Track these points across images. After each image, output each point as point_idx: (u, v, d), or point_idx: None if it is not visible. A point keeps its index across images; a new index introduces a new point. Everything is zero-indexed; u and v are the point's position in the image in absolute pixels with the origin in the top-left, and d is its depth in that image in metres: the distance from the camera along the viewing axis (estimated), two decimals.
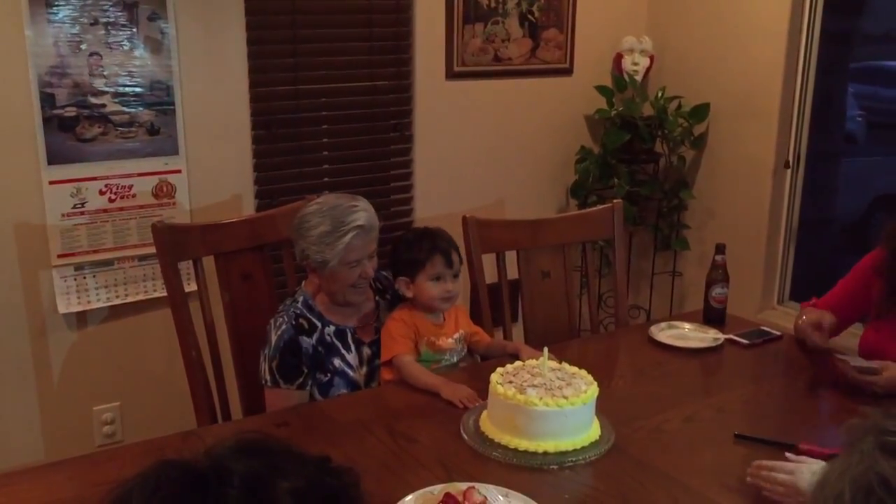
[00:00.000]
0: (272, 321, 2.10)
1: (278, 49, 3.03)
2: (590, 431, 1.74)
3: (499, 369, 1.83)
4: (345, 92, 3.19)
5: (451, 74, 3.40)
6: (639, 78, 3.66)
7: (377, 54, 3.24)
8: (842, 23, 6.12)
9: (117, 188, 2.79)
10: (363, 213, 2.06)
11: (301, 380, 2.06)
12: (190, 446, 1.79)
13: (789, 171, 3.44)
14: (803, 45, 3.35)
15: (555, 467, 1.66)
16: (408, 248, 2.15)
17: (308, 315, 2.10)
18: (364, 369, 2.15)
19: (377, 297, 2.24)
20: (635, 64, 3.65)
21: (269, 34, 2.99)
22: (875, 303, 2.16)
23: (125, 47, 2.71)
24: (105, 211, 2.79)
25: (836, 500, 0.80)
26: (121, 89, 2.72)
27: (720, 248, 2.46)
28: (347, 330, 2.14)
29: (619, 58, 3.70)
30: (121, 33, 2.69)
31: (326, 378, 2.09)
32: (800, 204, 3.52)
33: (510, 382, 1.76)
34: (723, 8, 3.51)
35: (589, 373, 1.84)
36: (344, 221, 2.02)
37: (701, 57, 3.61)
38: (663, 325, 2.41)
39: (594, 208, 2.66)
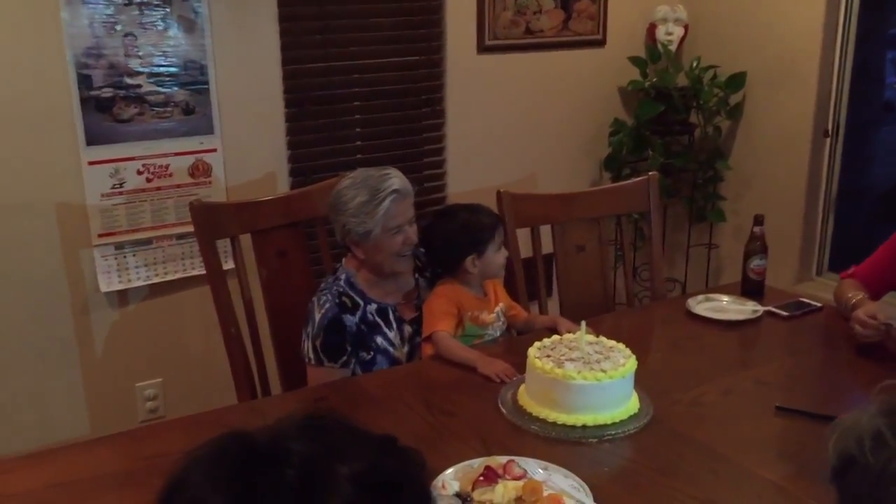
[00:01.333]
0: (315, 299, 2.11)
1: (309, 26, 3.03)
2: (629, 405, 1.74)
3: (536, 343, 1.84)
4: (376, 68, 3.18)
5: (483, 48, 3.37)
6: (673, 48, 3.60)
7: (408, 29, 3.22)
8: None
9: (154, 168, 2.82)
10: (396, 178, 2.07)
11: (345, 358, 2.08)
12: (234, 422, 1.83)
13: (828, 140, 3.38)
14: (842, 10, 3.28)
15: (594, 441, 1.66)
16: (470, 229, 2.15)
17: (351, 293, 2.11)
18: (406, 347, 2.16)
19: (416, 275, 2.24)
20: (669, 34, 3.59)
21: (299, 10, 2.99)
22: None
23: (159, 27, 2.73)
24: (143, 191, 2.82)
25: (833, 447, 0.87)
26: (155, 69, 2.75)
27: (759, 220, 2.43)
28: (389, 308, 2.15)
29: (652, 28, 3.64)
30: (154, 13, 2.71)
31: (369, 356, 2.11)
32: (839, 173, 3.46)
33: (548, 356, 1.76)
34: None
35: (627, 346, 1.84)
36: (379, 188, 2.04)
37: (736, 25, 3.55)
38: (700, 297, 2.39)
39: (629, 181, 2.64)
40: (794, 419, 1.73)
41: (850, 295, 2.15)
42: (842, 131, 3.42)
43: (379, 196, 2.03)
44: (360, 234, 2.06)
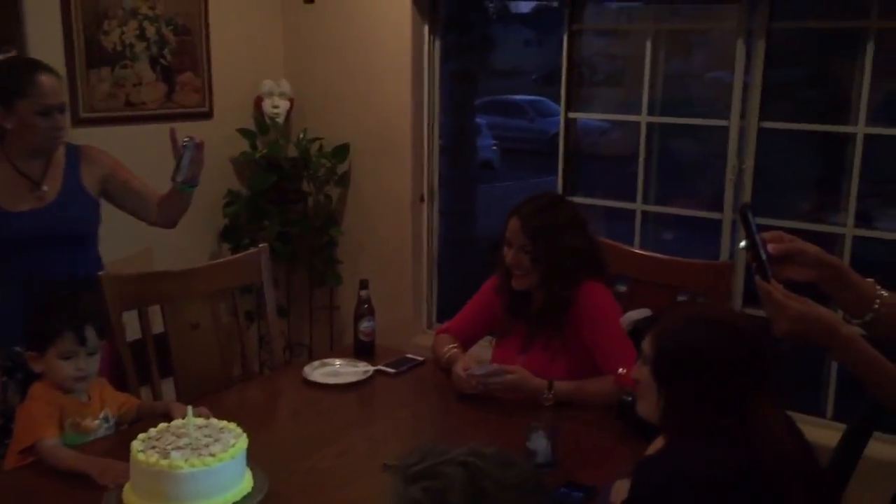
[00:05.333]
0: None
1: None
2: (242, 485, 1.72)
3: (140, 435, 1.74)
4: None
5: (78, 120, 3.18)
6: (280, 120, 3.72)
7: None
8: (469, 62, 6.77)
9: None
10: None
11: None
12: None
13: (424, 203, 3.71)
14: (426, 86, 3.63)
15: None
16: (37, 318, 1.95)
17: None
18: None
19: (5, 377, 2.00)
20: (276, 107, 3.71)
21: None
22: (498, 320, 2.40)
23: None
24: None
25: None
26: None
27: (364, 284, 2.57)
28: None
29: (259, 101, 3.73)
30: None
31: None
32: (438, 233, 3.81)
33: (153, 448, 1.68)
34: (352, 54, 3.70)
35: (245, 421, 1.82)
36: None
37: (338, 100, 3.77)
38: (316, 363, 2.45)
39: (240, 254, 2.65)
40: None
41: (445, 349, 2.38)
42: (437, 194, 3.77)
43: None
44: None
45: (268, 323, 2.69)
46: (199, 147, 2.41)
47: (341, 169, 3.75)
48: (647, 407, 1.56)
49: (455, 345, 2.39)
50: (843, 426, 1.91)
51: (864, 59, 2.76)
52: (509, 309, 2.34)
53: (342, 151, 3.69)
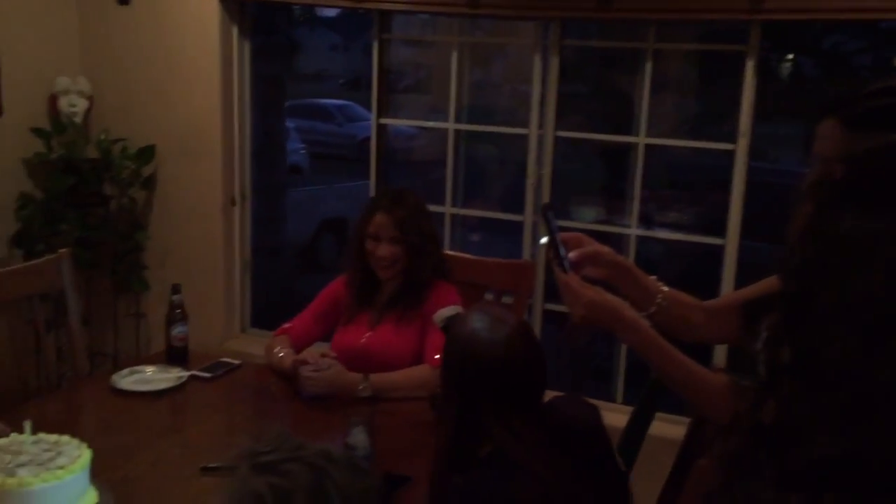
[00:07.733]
0: None
1: None
2: (89, 496, 1.66)
3: None
4: None
5: None
6: (78, 120, 3.54)
7: None
8: (275, 66, 6.71)
9: None
10: None
11: None
12: None
13: (236, 207, 3.67)
14: (236, 89, 3.59)
15: None
16: None
17: None
18: None
19: None
20: (73, 105, 3.52)
21: None
22: (344, 311, 2.46)
23: None
24: None
25: None
26: None
27: (176, 289, 2.53)
28: None
29: (53, 99, 3.53)
30: None
31: None
32: (250, 236, 3.78)
33: None
34: (157, 53, 3.59)
35: (71, 437, 1.75)
36: None
37: (143, 100, 3.64)
38: (125, 371, 2.38)
39: (38, 260, 2.51)
40: (220, 476, 1.84)
41: (276, 350, 2.41)
42: (248, 198, 3.74)
43: None
44: None
45: (70, 331, 2.57)
46: None
47: (147, 171, 3.62)
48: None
49: (285, 348, 2.41)
50: (631, 408, 2.13)
51: (644, 75, 3.05)
52: (359, 298, 2.41)
53: (147, 153, 3.56)
